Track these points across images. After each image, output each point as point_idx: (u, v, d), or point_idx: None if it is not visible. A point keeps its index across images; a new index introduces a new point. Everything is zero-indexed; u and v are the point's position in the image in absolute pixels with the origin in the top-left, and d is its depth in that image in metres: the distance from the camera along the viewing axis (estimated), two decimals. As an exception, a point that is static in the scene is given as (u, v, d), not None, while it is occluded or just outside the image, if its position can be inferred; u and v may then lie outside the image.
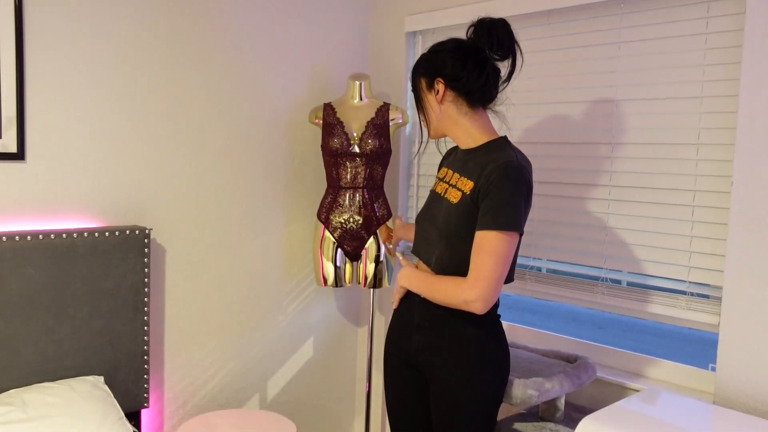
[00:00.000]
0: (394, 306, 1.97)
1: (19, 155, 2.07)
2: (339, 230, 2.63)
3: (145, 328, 2.28)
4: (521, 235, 1.68)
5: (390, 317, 2.98)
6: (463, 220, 1.72)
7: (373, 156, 2.59)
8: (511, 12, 2.43)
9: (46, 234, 2.05)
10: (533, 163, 2.39)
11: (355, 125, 2.60)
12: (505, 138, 1.77)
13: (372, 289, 2.76)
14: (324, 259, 2.67)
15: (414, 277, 1.84)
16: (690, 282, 2.07)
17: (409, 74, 1.87)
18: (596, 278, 2.28)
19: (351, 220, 2.61)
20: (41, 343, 2.06)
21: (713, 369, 2.08)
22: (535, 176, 2.38)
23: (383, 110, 2.64)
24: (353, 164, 2.59)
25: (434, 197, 1.88)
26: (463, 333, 1.76)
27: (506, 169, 1.65)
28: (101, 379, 2.15)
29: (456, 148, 1.94)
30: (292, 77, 2.74)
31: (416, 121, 2.88)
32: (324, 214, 2.65)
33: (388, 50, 2.93)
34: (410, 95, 2.88)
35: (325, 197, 2.68)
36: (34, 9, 2.07)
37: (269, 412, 2.49)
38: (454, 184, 1.80)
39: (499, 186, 1.65)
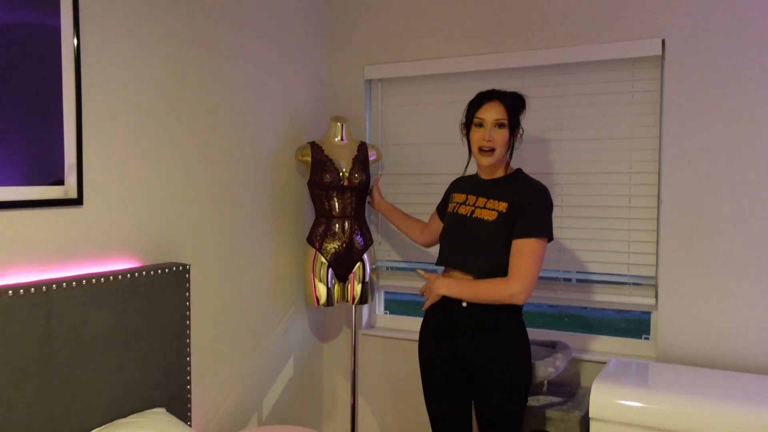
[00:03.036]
0: (424, 309, 2.39)
1: (78, 200, 2.13)
2: (331, 254, 2.95)
3: (187, 359, 2.41)
4: (549, 241, 2.21)
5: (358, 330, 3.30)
6: (501, 233, 2.21)
7: (360, 188, 2.96)
8: (463, 68, 2.98)
9: (115, 274, 2.13)
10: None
11: (343, 162, 2.95)
12: (521, 169, 2.33)
13: (354, 307, 3.11)
14: (317, 281, 2.96)
15: (454, 285, 2.26)
16: (629, 275, 2.77)
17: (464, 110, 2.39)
18: (555, 279, 2.90)
19: (343, 246, 2.95)
20: (114, 380, 2.12)
21: (647, 338, 2.79)
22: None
23: (363, 148, 3.02)
24: (343, 196, 2.94)
25: (459, 218, 2.33)
26: (508, 326, 2.24)
27: (539, 191, 2.22)
28: (164, 410, 2.25)
29: (462, 179, 2.44)
30: (272, 122, 3.00)
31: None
32: (318, 242, 2.95)
33: (349, 95, 3.30)
34: (370, 134, 3.29)
35: (316, 226, 2.98)
36: (90, 55, 2.15)
37: (291, 427, 2.72)
38: (482, 206, 2.27)
39: (535, 203, 2.19)
